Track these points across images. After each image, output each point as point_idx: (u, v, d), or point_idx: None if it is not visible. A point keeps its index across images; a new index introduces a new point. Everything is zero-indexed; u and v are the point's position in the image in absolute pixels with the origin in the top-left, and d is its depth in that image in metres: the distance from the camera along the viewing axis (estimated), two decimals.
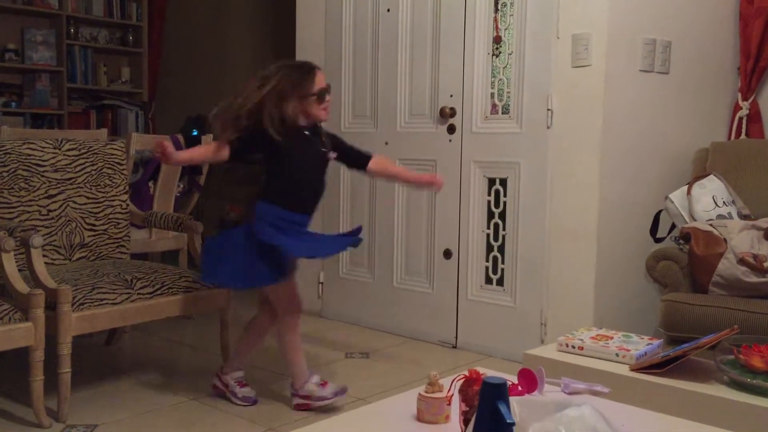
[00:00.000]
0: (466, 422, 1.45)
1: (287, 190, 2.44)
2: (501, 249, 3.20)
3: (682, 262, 2.69)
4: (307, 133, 2.47)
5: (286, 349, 2.52)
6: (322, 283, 3.87)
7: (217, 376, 2.61)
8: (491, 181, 3.22)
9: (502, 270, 3.20)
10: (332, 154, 2.54)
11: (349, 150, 2.63)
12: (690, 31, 3.18)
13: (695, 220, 2.80)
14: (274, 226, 2.38)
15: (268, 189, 2.45)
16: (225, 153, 2.41)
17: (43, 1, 5.30)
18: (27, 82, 5.34)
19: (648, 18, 2.99)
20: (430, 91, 3.39)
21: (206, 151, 2.49)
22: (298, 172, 2.45)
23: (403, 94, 3.49)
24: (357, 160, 2.63)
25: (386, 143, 3.56)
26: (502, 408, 0.99)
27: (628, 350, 2.06)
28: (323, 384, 2.51)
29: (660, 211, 2.96)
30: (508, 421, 0.99)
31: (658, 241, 2.94)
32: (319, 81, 2.43)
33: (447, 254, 3.35)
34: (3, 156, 2.69)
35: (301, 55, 3.92)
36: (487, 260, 3.24)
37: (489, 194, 3.22)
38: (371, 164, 2.62)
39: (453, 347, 3.34)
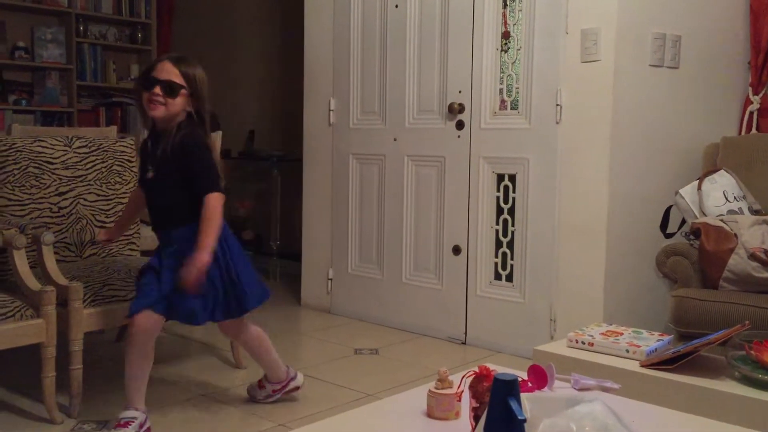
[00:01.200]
0: (476, 418, 1.45)
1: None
2: (510, 245, 3.19)
3: (693, 258, 2.68)
4: (149, 139, 2.26)
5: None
6: (331, 279, 3.87)
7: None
8: (500, 177, 3.21)
9: (512, 266, 3.19)
10: (150, 174, 2.22)
11: (190, 175, 2.18)
12: (700, 25, 3.16)
13: (706, 215, 2.78)
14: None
15: None
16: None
17: None
18: (37, 79, 5.36)
19: (657, 12, 2.98)
20: (438, 87, 3.38)
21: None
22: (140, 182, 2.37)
23: (411, 90, 3.49)
24: (196, 188, 2.18)
25: (395, 139, 3.56)
26: (514, 404, 0.99)
27: (639, 346, 2.06)
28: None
29: (670, 207, 2.95)
30: (519, 417, 0.99)
31: (668, 236, 2.93)
32: (156, 70, 2.17)
33: (456, 250, 3.35)
34: (14, 153, 2.70)
35: (309, 52, 3.92)
36: (496, 256, 3.24)
37: (498, 190, 3.22)
38: (205, 202, 2.14)
39: (462, 343, 3.34)
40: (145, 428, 2.21)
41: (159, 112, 2.17)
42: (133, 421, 2.18)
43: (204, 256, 2.10)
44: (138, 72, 5.91)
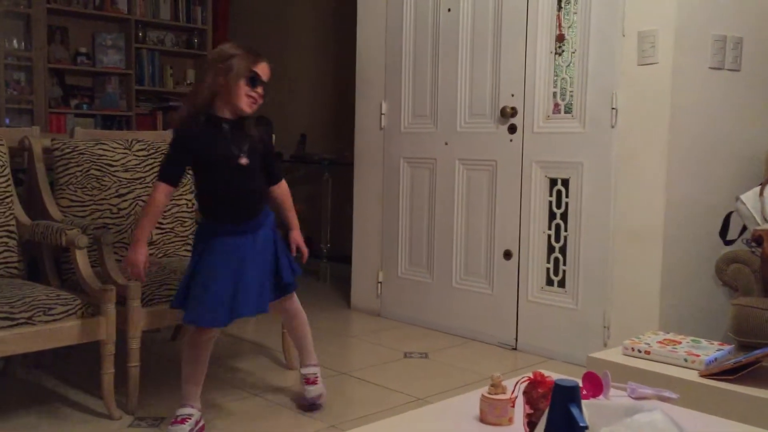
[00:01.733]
0: (530, 425, 1.43)
1: (207, 199, 2.28)
2: (563, 250, 3.15)
3: (754, 266, 2.60)
4: (225, 126, 2.21)
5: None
6: (380, 282, 3.88)
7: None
8: (553, 182, 3.17)
9: (564, 271, 3.15)
10: (243, 160, 2.21)
11: (270, 162, 2.37)
12: (762, 26, 3.07)
13: None
14: (207, 242, 2.24)
15: (198, 199, 2.35)
16: (168, 188, 2.22)
17: (113, 6, 5.47)
18: (98, 84, 5.54)
19: (717, 13, 2.90)
20: (490, 90, 3.36)
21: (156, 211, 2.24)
22: (208, 172, 2.23)
23: (463, 93, 3.48)
24: (269, 175, 2.37)
25: (446, 143, 3.55)
26: (575, 411, 0.97)
27: (698, 356, 2.01)
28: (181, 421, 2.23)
29: (730, 213, 2.87)
30: (581, 424, 0.97)
31: (728, 243, 2.85)
32: (260, 69, 2.22)
33: (507, 255, 3.32)
34: (77, 156, 2.79)
35: (361, 56, 3.95)
36: (548, 261, 3.20)
37: (551, 195, 3.18)
38: (277, 188, 2.41)
39: (513, 349, 3.31)
40: (199, 426, 2.26)
41: (252, 109, 2.23)
42: (189, 418, 2.22)
43: (299, 233, 2.45)
44: (194, 77, 6.03)
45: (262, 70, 2.23)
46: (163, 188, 2.21)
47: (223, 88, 2.18)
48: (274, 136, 3.87)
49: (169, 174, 2.22)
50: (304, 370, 2.54)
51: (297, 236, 2.45)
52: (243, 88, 2.18)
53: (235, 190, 2.23)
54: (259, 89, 2.21)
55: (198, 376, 2.28)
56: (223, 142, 2.20)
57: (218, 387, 2.72)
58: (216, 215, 2.26)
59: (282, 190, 2.44)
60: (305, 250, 2.46)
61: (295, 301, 2.49)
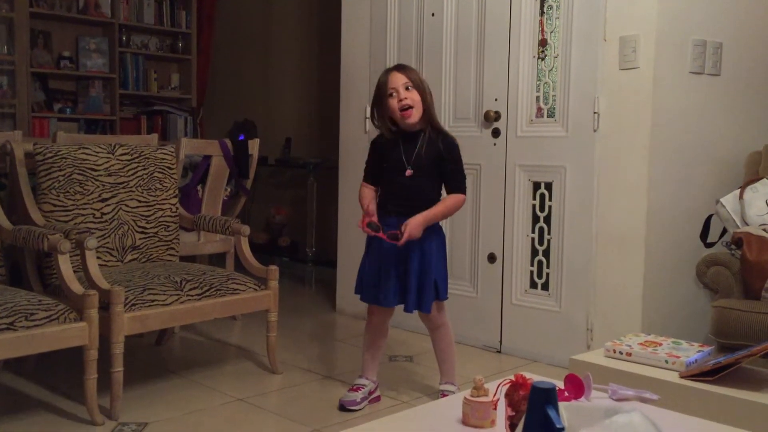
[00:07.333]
0: (512, 427, 1.44)
1: (382, 193, 2.58)
2: (546, 253, 3.17)
3: (734, 268, 2.63)
4: (398, 137, 2.48)
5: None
6: None
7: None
8: (536, 185, 3.19)
9: (547, 274, 3.17)
10: (408, 171, 2.45)
11: (448, 174, 2.49)
12: (742, 31, 3.11)
13: (747, 224, 2.73)
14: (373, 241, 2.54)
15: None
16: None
17: (97, 10, 5.45)
18: (81, 88, 5.50)
19: (698, 19, 2.94)
20: (474, 94, 3.38)
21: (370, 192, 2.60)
22: (384, 175, 2.54)
23: (447, 98, 3.50)
24: (446, 185, 2.52)
25: None
26: (552, 413, 0.99)
27: (678, 357, 2.03)
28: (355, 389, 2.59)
29: (711, 216, 2.91)
30: (557, 426, 0.98)
31: (708, 246, 2.89)
32: (391, 81, 2.43)
33: (491, 258, 3.34)
34: (59, 160, 2.78)
35: (346, 60, 3.96)
36: (532, 264, 3.22)
37: (534, 198, 3.20)
38: (450, 196, 2.51)
39: (497, 352, 3.32)
40: (373, 396, 2.60)
41: (412, 117, 2.41)
42: (362, 388, 2.57)
43: (419, 220, 2.38)
44: (178, 81, 6.02)
45: (390, 81, 2.42)
46: (362, 185, 2.63)
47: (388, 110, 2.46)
48: (258, 140, 3.88)
49: (365, 174, 2.63)
50: (441, 386, 2.63)
51: (411, 221, 2.36)
52: (394, 108, 2.42)
53: (400, 191, 2.49)
54: (400, 94, 2.39)
55: (370, 351, 2.62)
56: (392, 152, 2.49)
57: (202, 391, 2.71)
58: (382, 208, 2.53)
59: (449, 197, 2.49)
60: (401, 235, 2.37)
61: (436, 316, 2.56)
